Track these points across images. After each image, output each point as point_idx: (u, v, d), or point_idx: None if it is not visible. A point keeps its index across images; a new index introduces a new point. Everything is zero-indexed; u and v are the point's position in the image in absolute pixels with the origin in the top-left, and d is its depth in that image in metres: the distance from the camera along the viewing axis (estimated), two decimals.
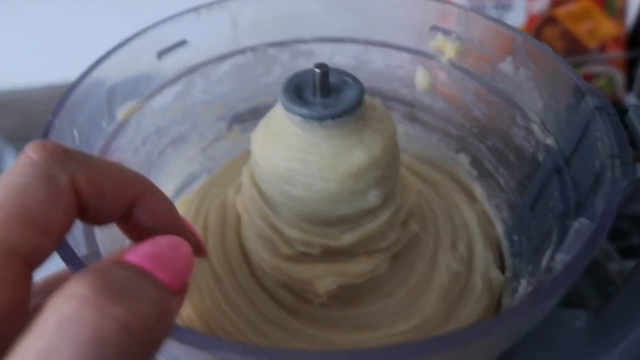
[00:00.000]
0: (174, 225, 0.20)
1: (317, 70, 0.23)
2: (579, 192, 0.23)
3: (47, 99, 0.67)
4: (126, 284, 0.15)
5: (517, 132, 0.29)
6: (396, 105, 0.36)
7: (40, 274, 0.18)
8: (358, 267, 0.26)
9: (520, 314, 0.17)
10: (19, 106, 0.70)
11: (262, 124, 0.26)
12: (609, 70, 0.61)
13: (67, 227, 0.17)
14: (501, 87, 0.30)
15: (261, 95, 0.36)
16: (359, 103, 0.24)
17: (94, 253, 0.22)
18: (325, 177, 0.24)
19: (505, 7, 0.60)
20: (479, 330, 0.16)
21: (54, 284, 0.22)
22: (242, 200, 0.29)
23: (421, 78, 0.34)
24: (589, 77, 0.61)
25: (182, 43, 0.31)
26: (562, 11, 0.61)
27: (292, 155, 0.24)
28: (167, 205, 0.20)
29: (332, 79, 0.24)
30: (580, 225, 0.21)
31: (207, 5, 0.32)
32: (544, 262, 0.23)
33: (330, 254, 0.26)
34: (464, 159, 0.34)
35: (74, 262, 0.18)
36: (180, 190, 0.35)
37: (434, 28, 0.32)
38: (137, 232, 0.20)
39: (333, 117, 0.23)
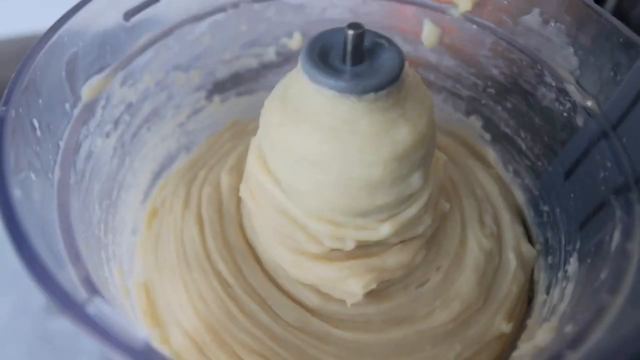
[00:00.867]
0: None
1: (351, 32, 0.19)
2: (637, 163, 0.21)
3: None
4: None
5: (546, 93, 0.27)
6: None
7: None
8: (395, 260, 0.23)
9: None
10: None
11: (275, 99, 0.22)
12: None
13: None
14: (523, 43, 0.27)
15: (243, 57, 0.31)
16: (401, 71, 0.20)
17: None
18: (366, 161, 0.20)
19: None
20: None
21: None
22: (249, 188, 0.24)
23: (428, 33, 0.30)
24: None
25: (153, 1, 0.25)
26: None
27: (324, 135, 0.20)
28: None
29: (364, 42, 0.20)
30: None
31: None
32: (601, 240, 0.21)
33: (362, 247, 0.23)
34: (475, 121, 0.31)
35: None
36: (157, 176, 0.30)
37: None
38: None
39: (376, 90, 0.19)
